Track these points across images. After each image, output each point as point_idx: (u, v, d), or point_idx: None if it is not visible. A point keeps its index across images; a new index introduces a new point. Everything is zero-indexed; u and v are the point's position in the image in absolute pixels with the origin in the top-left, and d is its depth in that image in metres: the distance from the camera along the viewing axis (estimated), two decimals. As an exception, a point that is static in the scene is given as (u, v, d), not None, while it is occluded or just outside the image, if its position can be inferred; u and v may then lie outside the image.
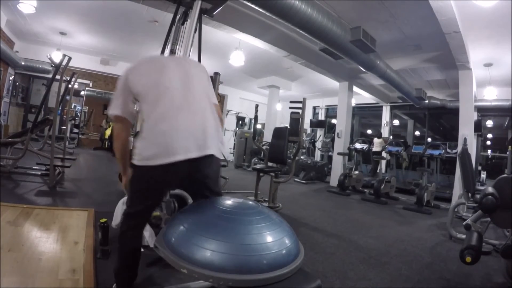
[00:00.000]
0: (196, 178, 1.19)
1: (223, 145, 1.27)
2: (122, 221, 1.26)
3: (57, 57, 4.67)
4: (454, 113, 6.01)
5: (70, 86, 4.95)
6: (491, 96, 6.00)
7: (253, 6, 3.11)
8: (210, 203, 1.07)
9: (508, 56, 4.64)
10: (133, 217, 1.20)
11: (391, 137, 8.23)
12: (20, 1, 4.74)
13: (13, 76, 7.45)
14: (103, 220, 1.86)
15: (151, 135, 1.12)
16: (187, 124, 1.14)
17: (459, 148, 4.61)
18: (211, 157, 1.18)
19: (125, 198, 2.02)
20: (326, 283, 1.74)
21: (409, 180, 6.69)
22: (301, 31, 3.57)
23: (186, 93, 1.20)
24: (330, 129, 9.55)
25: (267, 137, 7.91)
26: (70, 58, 3.54)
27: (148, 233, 1.83)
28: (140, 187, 1.17)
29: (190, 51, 2.23)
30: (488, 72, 5.42)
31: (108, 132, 8.09)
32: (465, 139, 4.91)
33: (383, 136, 7.65)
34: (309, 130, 9.76)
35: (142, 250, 1.38)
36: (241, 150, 8.42)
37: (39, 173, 3.57)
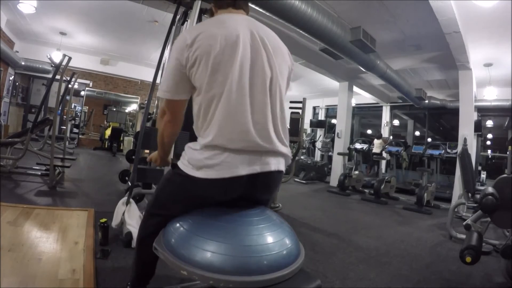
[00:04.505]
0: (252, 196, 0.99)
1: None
2: (142, 225, 1.10)
3: (57, 57, 4.67)
4: (454, 113, 6.00)
5: (70, 86, 4.96)
6: (491, 96, 5.99)
7: (253, 6, 3.10)
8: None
9: (508, 56, 4.64)
10: (156, 223, 1.01)
11: (391, 137, 8.23)
12: (20, 1, 4.75)
13: (13, 76, 7.45)
14: (103, 220, 1.86)
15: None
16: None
17: (459, 148, 4.61)
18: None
19: (124, 199, 2.02)
20: (326, 283, 1.74)
21: (409, 180, 6.69)
22: (301, 31, 3.56)
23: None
24: (330, 129, 9.54)
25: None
26: (70, 58, 3.54)
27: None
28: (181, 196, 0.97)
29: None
30: (488, 72, 5.41)
31: (108, 132, 8.09)
32: (465, 139, 4.90)
33: (383, 136, 7.65)
34: (309, 130, 9.75)
35: None
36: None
37: (39, 173, 3.56)
